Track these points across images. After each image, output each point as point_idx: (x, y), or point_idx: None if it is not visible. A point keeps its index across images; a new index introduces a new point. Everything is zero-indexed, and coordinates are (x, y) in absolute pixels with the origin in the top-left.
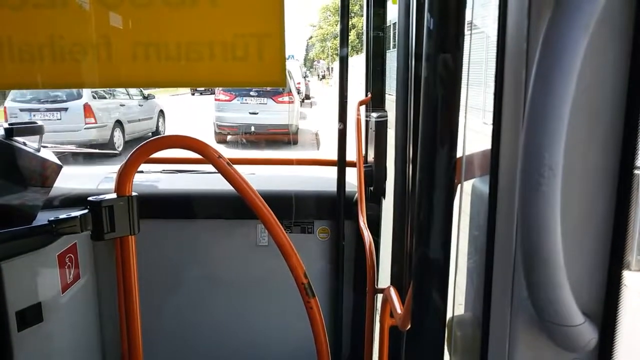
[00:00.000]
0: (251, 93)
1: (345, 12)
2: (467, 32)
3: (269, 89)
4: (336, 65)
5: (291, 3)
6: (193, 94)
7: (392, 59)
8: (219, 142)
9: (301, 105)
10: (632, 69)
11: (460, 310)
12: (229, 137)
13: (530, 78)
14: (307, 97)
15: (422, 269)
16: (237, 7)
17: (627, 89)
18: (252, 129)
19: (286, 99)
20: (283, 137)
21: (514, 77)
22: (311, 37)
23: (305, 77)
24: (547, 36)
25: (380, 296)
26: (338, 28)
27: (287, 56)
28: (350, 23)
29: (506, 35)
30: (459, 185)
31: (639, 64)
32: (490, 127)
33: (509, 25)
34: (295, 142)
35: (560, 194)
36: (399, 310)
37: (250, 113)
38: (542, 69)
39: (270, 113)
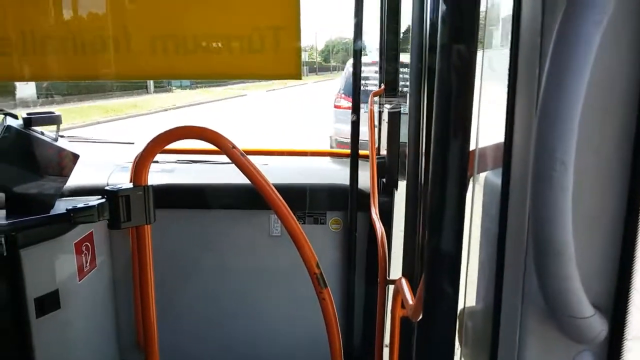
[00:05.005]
0: None
1: (359, 6)
2: (481, 22)
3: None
4: None
5: None
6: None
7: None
8: None
9: None
10: None
11: (471, 301)
12: None
13: (543, 72)
14: None
15: (434, 261)
16: (253, 0)
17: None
18: None
19: None
20: None
21: (527, 71)
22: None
23: None
24: (561, 31)
25: (392, 287)
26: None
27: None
28: None
29: (520, 30)
30: (472, 178)
31: None
32: None
33: (523, 19)
34: None
35: (572, 187)
36: (410, 301)
37: None
38: (555, 63)
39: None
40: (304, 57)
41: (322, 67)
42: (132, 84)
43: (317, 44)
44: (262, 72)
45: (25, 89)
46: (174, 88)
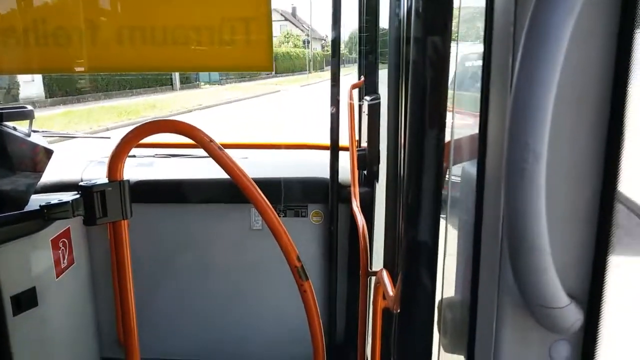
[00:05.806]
0: None
1: None
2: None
3: None
4: None
5: None
6: None
7: None
8: None
9: None
10: (618, 53)
11: (450, 292)
12: None
13: (516, 62)
14: None
15: (412, 252)
16: None
17: (613, 74)
18: None
19: None
20: None
21: (501, 62)
22: None
23: None
24: (532, 20)
25: (373, 278)
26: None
27: None
28: None
29: (493, 19)
30: (448, 169)
31: (625, 49)
32: None
33: (495, 9)
34: None
35: (545, 178)
36: (390, 293)
37: None
38: (527, 52)
39: None
40: None
41: (348, 59)
42: (156, 80)
43: (344, 36)
44: (233, 64)
45: (31, 88)
46: (202, 83)
